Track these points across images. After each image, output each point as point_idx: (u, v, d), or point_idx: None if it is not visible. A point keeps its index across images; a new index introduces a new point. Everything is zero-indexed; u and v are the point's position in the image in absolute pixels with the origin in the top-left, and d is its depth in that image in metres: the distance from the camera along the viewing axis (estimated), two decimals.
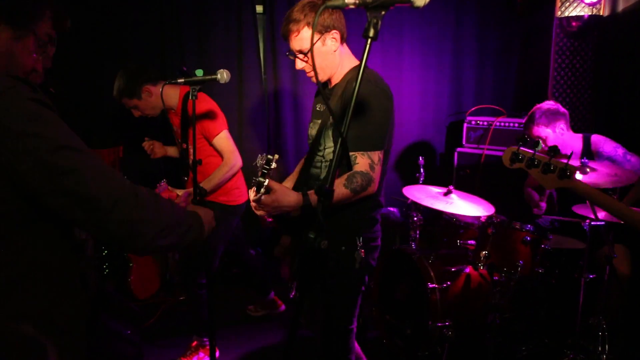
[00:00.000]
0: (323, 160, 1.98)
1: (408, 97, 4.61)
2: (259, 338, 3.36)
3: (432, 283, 2.84)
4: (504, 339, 2.85)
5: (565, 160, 1.52)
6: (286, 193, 1.73)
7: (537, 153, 1.54)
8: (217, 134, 2.86)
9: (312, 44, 1.23)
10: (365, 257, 1.94)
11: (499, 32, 4.70)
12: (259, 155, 1.94)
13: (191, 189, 2.59)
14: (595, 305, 2.83)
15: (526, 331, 2.99)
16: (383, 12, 1.14)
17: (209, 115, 2.84)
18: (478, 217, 2.89)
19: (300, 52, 1.94)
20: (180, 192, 2.83)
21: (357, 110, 1.84)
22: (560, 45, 4.25)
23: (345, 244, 1.94)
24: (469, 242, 2.95)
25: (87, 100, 3.83)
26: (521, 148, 1.49)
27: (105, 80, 3.90)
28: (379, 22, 1.15)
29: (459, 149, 4.36)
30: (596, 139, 3.05)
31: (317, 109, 2.12)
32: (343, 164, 1.31)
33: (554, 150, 1.57)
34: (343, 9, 1.16)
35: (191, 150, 2.88)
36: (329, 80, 2.06)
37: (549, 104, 3.06)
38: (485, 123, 4.23)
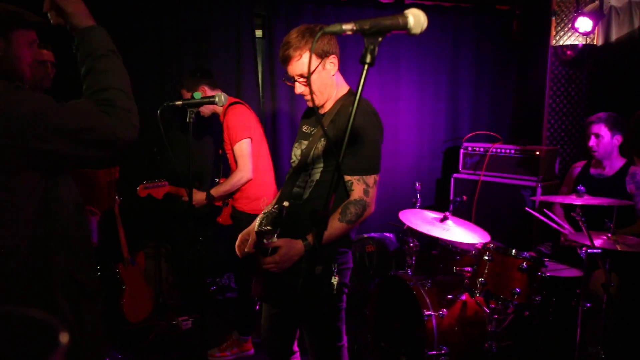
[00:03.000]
0: (309, 180, 1.99)
1: (405, 123, 4.63)
2: None
3: (428, 310, 2.81)
4: None
5: None
6: (292, 246, 1.81)
7: None
8: (238, 141, 3.06)
9: (310, 69, 1.24)
10: (340, 280, 1.99)
11: (495, 60, 4.76)
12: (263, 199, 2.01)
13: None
14: (587, 332, 2.81)
15: None
16: (380, 39, 1.14)
17: (236, 124, 3.08)
18: (474, 244, 2.87)
19: (301, 76, 1.97)
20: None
21: (352, 136, 1.85)
22: (555, 73, 4.30)
23: (322, 270, 1.98)
24: (465, 268, 2.93)
25: None
26: None
27: None
28: (376, 49, 1.15)
29: (455, 175, 4.37)
30: (634, 170, 3.19)
31: (304, 130, 2.15)
32: (336, 187, 1.32)
33: None
34: (340, 35, 1.17)
35: (228, 154, 3.18)
36: (320, 107, 2.09)
37: (618, 116, 3.21)
38: (482, 149, 4.24)
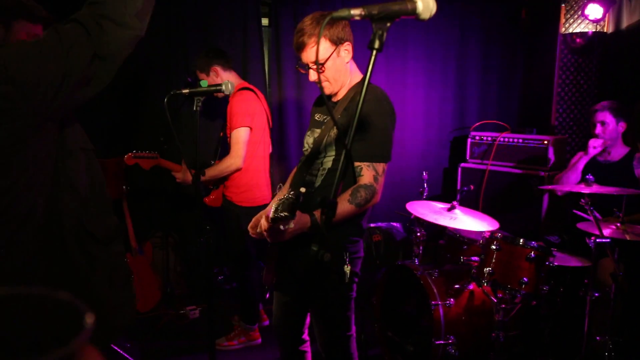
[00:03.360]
0: (320, 168, 1.99)
1: (412, 112, 4.60)
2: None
3: (436, 299, 2.81)
4: (508, 357, 2.80)
5: None
6: (299, 219, 1.77)
7: None
8: (236, 128, 3.02)
9: (318, 54, 1.22)
10: (352, 269, 1.98)
11: (503, 48, 4.71)
12: (279, 185, 1.98)
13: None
14: (594, 322, 2.80)
15: (531, 350, 2.94)
16: (388, 24, 1.13)
17: (239, 110, 3.04)
18: (482, 234, 2.86)
19: (316, 63, 1.96)
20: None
21: (363, 122, 1.86)
22: (564, 62, 4.25)
23: (334, 259, 1.95)
24: (472, 258, 2.92)
25: (89, 110, 3.84)
26: None
27: (108, 91, 3.92)
28: (384, 34, 1.13)
29: (462, 165, 4.34)
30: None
31: (316, 118, 2.15)
32: (346, 174, 1.31)
33: None
34: (349, 20, 1.15)
35: (230, 138, 3.13)
36: (333, 95, 2.08)
37: (620, 103, 3.30)
38: (489, 138, 4.21)
